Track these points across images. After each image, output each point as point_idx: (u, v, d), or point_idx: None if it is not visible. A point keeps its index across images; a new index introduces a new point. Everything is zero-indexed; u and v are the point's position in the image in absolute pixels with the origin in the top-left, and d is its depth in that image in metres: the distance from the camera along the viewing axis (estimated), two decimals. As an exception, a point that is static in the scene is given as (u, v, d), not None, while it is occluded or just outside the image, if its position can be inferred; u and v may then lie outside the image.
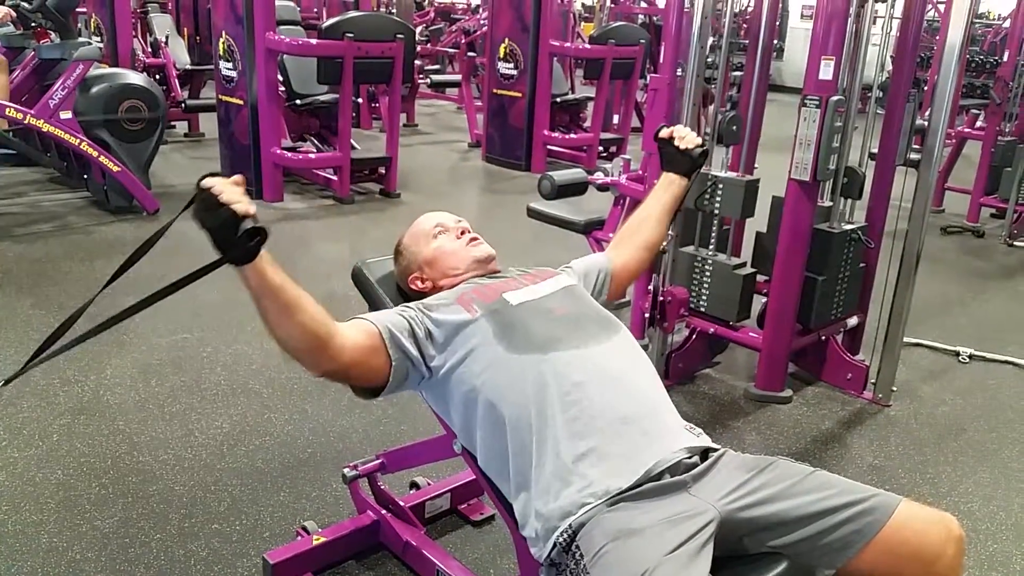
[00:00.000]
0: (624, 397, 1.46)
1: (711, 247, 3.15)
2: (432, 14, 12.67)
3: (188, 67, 7.69)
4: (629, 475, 1.37)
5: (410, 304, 1.59)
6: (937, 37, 8.48)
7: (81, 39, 4.97)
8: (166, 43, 7.44)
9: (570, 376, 1.45)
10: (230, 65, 5.42)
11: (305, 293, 1.37)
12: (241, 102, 5.42)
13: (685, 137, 1.90)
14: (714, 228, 3.13)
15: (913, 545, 1.32)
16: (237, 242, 1.21)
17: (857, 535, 1.33)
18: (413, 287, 1.76)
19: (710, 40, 3.03)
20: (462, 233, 1.76)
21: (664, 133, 1.93)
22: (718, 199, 3.05)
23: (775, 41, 3.52)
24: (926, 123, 2.89)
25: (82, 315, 1.32)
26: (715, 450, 1.49)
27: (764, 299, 3.20)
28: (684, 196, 1.96)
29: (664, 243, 2.11)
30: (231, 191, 1.21)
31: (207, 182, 1.22)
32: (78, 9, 6.27)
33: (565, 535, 1.35)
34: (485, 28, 7.94)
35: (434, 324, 1.54)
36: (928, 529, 1.33)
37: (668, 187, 1.94)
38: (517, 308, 1.55)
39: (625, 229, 1.98)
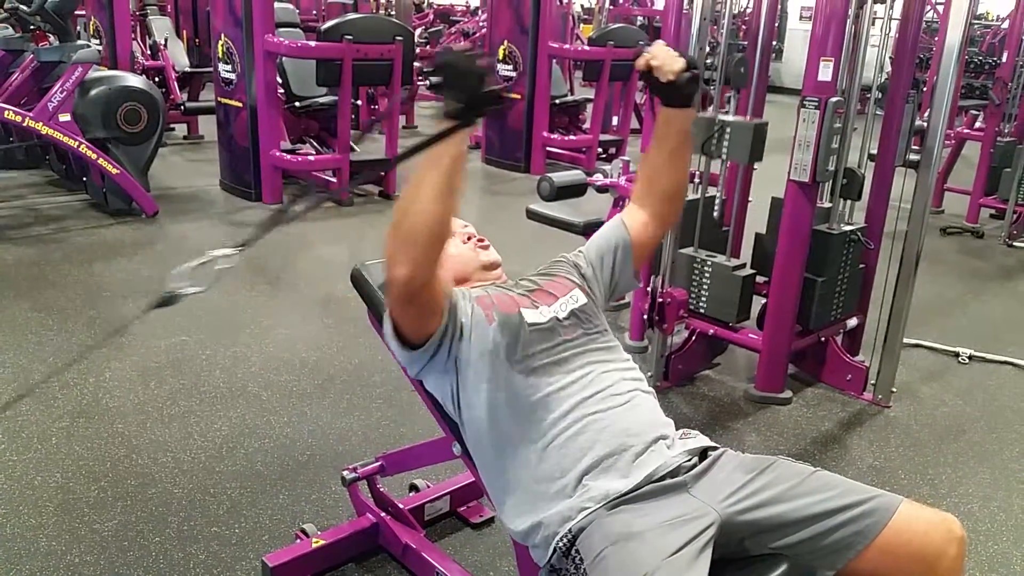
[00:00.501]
0: (625, 415, 1.46)
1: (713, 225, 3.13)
2: (431, 16, 12.69)
3: (187, 69, 7.70)
4: (630, 481, 1.37)
5: None
6: (936, 38, 8.47)
7: (80, 42, 4.97)
8: (165, 45, 7.44)
9: (574, 395, 1.45)
10: (229, 67, 5.42)
11: None
12: (240, 104, 5.42)
13: (663, 65, 1.57)
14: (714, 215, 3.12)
15: (915, 546, 1.32)
16: (484, 97, 1.25)
17: (858, 536, 1.32)
18: None
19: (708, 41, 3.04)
20: (468, 238, 1.74)
21: (640, 63, 1.60)
22: (725, 144, 3.03)
23: (774, 42, 3.51)
24: (925, 124, 2.89)
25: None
26: (714, 449, 1.49)
27: (764, 300, 3.19)
28: (689, 127, 1.69)
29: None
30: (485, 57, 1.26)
31: (457, 47, 1.26)
32: (77, 12, 6.27)
33: (564, 540, 1.35)
34: (484, 30, 7.94)
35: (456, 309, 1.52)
36: (930, 530, 1.33)
37: (667, 125, 1.67)
38: (530, 328, 1.53)
39: (639, 185, 1.78)
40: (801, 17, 13.49)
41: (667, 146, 1.70)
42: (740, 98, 3.27)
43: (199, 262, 1.30)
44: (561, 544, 1.35)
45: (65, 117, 4.61)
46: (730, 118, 3.05)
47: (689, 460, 1.43)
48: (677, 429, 1.52)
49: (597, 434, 1.41)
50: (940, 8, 9.14)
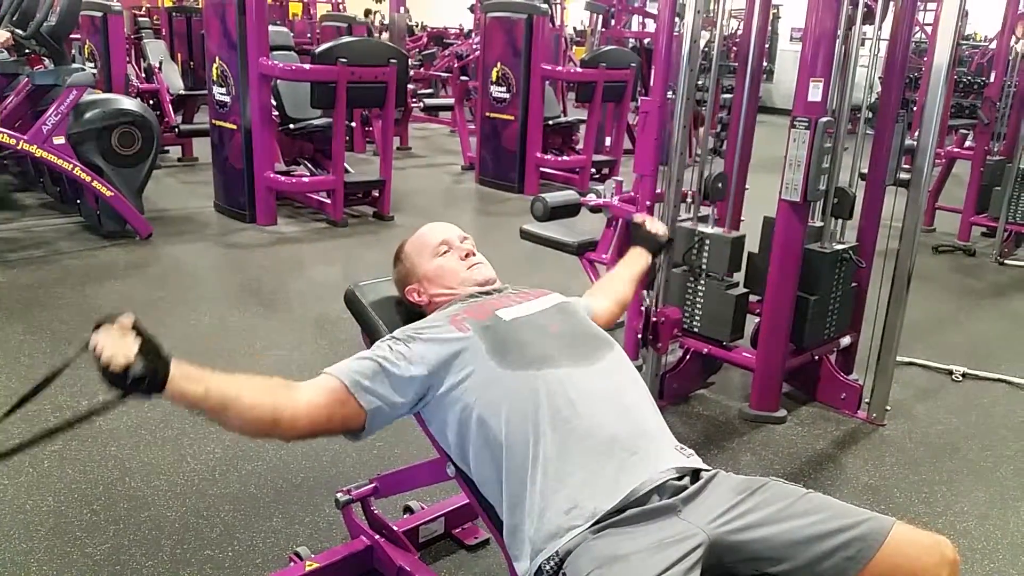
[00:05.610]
0: (614, 416, 1.46)
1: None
2: (425, 39, 12.78)
3: (182, 92, 7.73)
4: (616, 495, 1.36)
5: (398, 335, 1.58)
6: (925, 58, 8.57)
7: (75, 65, 4.99)
8: (160, 68, 7.48)
9: (562, 394, 1.45)
10: (223, 90, 5.45)
11: (241, 381, 1.41)
12: (235, 126, 5.44)
13: (655, 228, 2.25)
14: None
15: (907, 570, 1.31)
16: (130, 388, 1.26)
17: (850, 562, 1.31)
18: (410, 299, 1.78)
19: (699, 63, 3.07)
20: (466, 255, 1.78)
21: (638, 219, 2.30)
22: (705, 255, 3.11)
23: (764, 63, 3.55)
24: (915, 143, 2.92)
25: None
26: (706, 471, 1.47)
27: (757, 319, 3.20)
28: (650, 270, 2.24)
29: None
30: (111, 346, 1.23)
31: (91, 343, 1.25)
32: (72, 35, 6.29)
33: (552, 562, 1.34)
34: (477, 52, 7.99)
35: (421, 353, 1.52)
36: (922, 555, 1.32)
37: (637, 259, 2.19)
38: (510, 323, 1.56)
39: (603, 282, 2.16)
40: (792, 38, 13.63)
41: (632, 270, 2.15)
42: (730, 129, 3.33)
43: None
44: (548, 566, 1.34)
45: (59, 140, 4.62)
46: (709, 230, 3.13)
47: (680, 479, 1.42)
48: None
49: (583, 440, 1.41)
50: (928, 29, 9.25)
